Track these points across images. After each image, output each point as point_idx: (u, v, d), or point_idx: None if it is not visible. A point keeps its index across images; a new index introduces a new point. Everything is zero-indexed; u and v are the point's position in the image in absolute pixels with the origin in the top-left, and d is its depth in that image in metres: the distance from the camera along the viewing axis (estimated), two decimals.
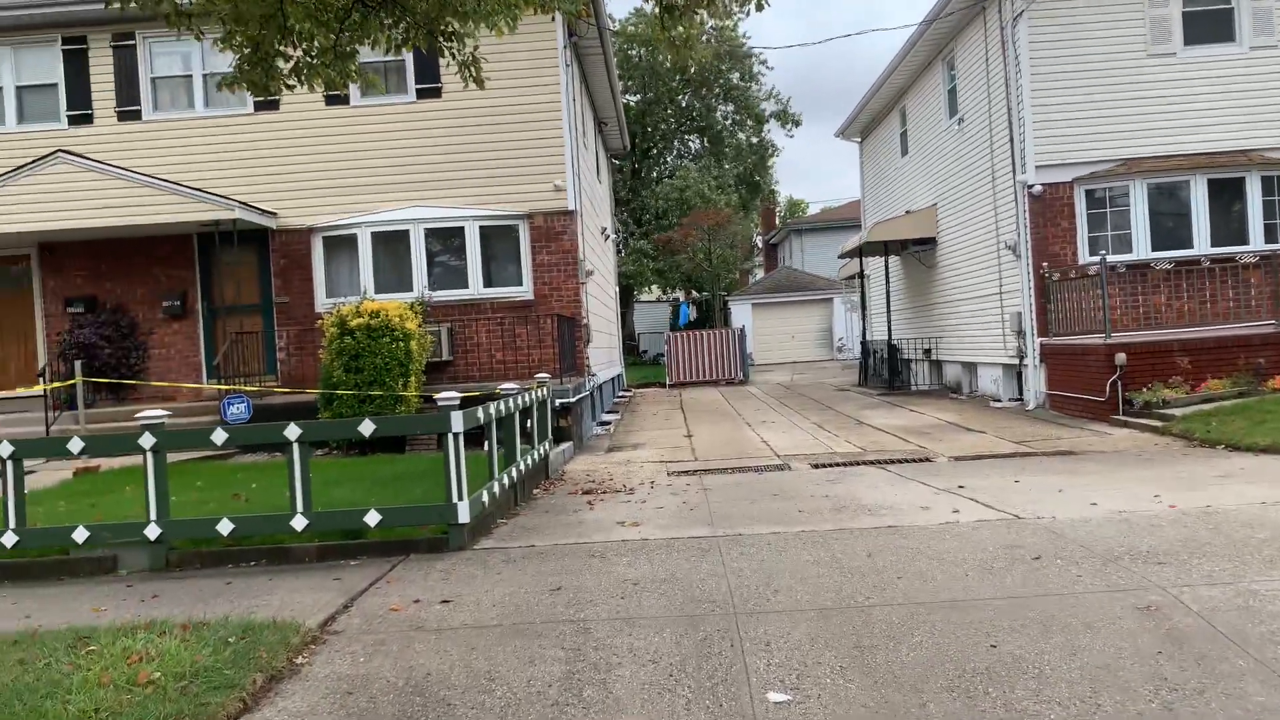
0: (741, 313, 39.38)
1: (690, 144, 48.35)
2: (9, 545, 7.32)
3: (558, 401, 13.05)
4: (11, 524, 7.35)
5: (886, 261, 23.94)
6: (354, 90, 14.66)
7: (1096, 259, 14.19)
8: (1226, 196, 15.44)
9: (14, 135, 15.35)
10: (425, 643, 5.25)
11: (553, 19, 14.34)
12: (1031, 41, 15.46)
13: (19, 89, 15.54)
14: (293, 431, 7.33)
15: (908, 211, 21.98)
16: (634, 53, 43.42)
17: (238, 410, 11.89)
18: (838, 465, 11.11)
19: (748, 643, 4.97)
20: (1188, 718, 3.88)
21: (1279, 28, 15.44)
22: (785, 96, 50.74)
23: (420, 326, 13.31)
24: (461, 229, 15.17)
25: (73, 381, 13.51)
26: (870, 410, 17.63)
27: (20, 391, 14.28)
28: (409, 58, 14.62)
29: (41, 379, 14.29)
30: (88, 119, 15.41)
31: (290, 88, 7.17)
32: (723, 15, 45.38)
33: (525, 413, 10.42)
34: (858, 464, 11.13)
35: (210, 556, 7.42)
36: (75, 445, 7.63)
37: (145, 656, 4.73)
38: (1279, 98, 15.41)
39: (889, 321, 23.32)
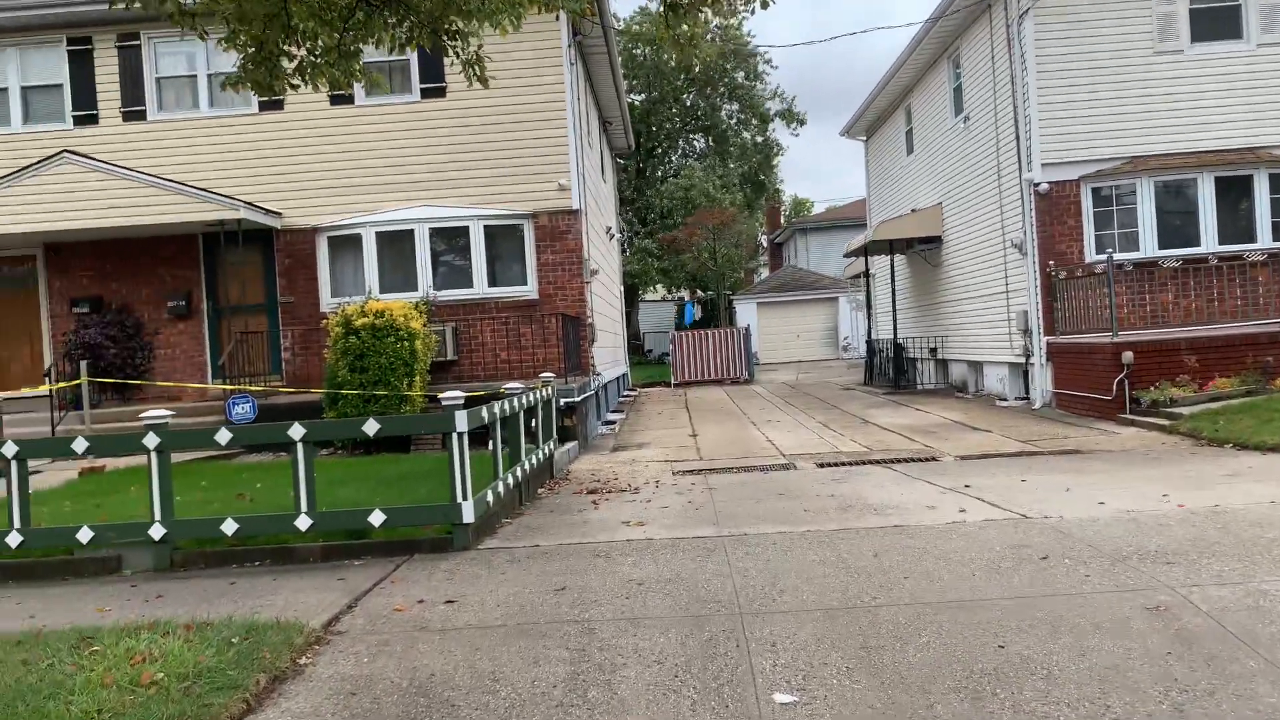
0: (746, 312, 39.34)
1: (695, 143, 48.28)
2: (14, 545, 7.31)
3: (562, 401, 13.03)
4: (16, 524, 7.35)
5: (892, 260, 23.87)
6: (359, 90, 14.66)
7: (1103, 257, 14.12)
8: (1234, 194, 15.37)
9: (20, 136, 15.37)
10: (429, 643, 5.23)
11: (557, 18, 14.31)
12: (1037, 39, 15.40)
13: (24, 89, 15.56)
14: (296, 431, 7.32)
15: (913, 210, 21.93)
16: (639, 52, 43.37)
17: (243, 410, 11.89)
18: (843, 464, 11.08)
19: (753, 643, 4.94)
20: (1198, 719, 3.84)
21: None
22: (790, 95, 50.82)
23: (425, 326, 13.31)
24: (466, 228, 15.16)
25: (78, 381, 13.53)
26: (876, 409, 17.59)
27: (26, 391, 14.29)
28: (413, 57, 14.62)
29: (47, 379, 14.32)
30: (93, 119, 15.42)
31: (294, 87, 7.15)
32: (727, 14, 44.95)
33: (530, 412, 10.39)
34: (863, 463, 11.09)
35: (215, 556, 7.41)
36: (79, 445, 7.62)
37: (148, 657, 4.72)
38: None
39: (894, 320, 23.26)
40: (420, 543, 7.47)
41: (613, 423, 17.78)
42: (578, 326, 15.16)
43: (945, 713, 4.01)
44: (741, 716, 4.09)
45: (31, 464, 7.77)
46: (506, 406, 9.06)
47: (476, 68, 7.33)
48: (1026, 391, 16.59)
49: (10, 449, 7.42)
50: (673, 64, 41.96)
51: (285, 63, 6.96)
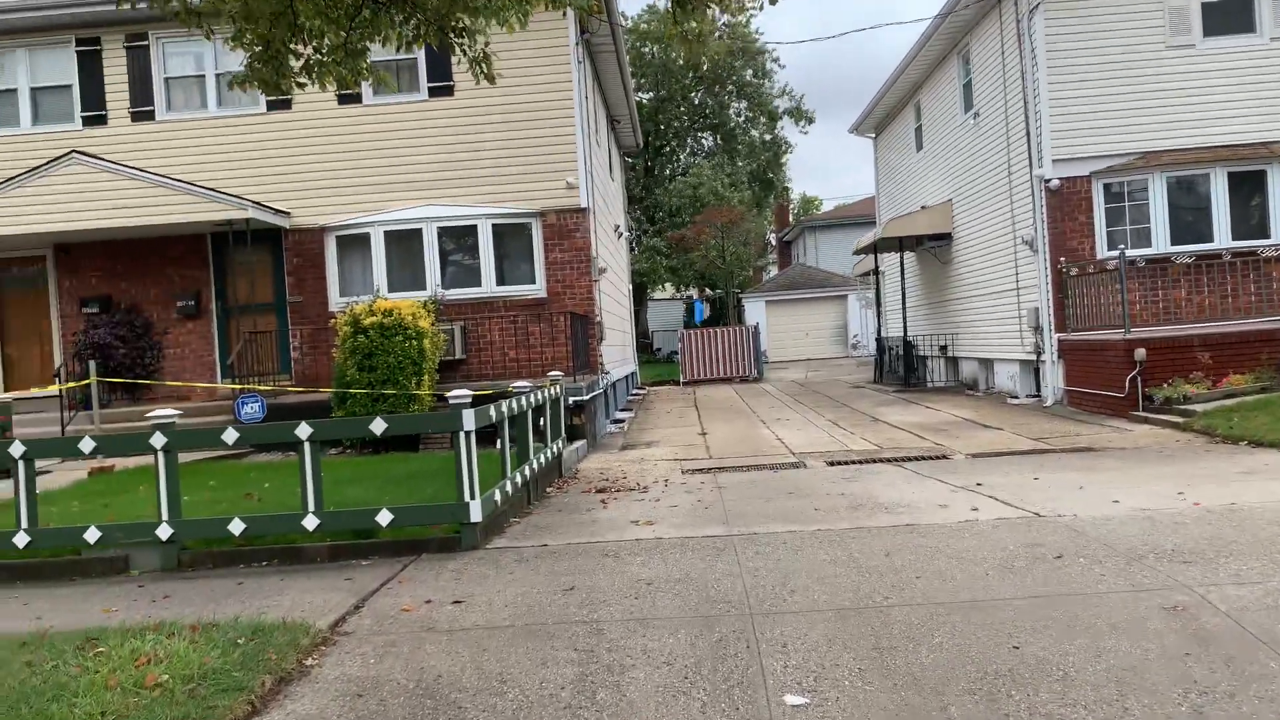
0: (755, 310, 39.24)
1: (703, 141, 48.22)
2: (21, 545, 7.30)
3: (571, 399, 12.99)
4: (24, 524, 7.34)
5: (901, 257, 23.77)
6: (366, 89, 14.65)
7: (1115, 253, 14.00)
8: (1247, 189, 15.23)
9: (29, 136, 15.40)
10: (436, 644, 5.18)
11: (564, 15, 14.27)
12: (1048, 34, 15.29)
13: (33, 90, 15.59)
14: (304, 430, 7.29)
15: (923, 207, 21.82)
16: (647, 50, 43.34)
17: (251, 409, 11.89)
18: (854, 463, 11.00)
19: (764, 644, 4.88)
20: None
21: None
22: (798, 93, 50.68)
23: (433, 325, 13.28)
24: (474, 227, 15.13)
25: (87, 381, 13.54)
26: (886, 407, 17.49)
27: (36, 392, 14.31)
28: (421, 56, 14.60)
29: (57, 379, 14.33)
30: (101, 120, 15.44)
31: (301, 86, 7.12)
32: (735, 10, 44.93)
33: (538, 411, 10.35)
34: (874, 461, 11.02)
35: (222, 556, 7.39)
36: (87, 445, 7.60)
37: (154, 658, 4.68)
38: None
39: (904, 318, 23.15)
40: (428, 542, 7.43)
41: (621, 421, 17.73)
42: (586, 325, 15.11)
43: (960, 715, 3.95)
44: (752, 719, 4.03)
45: (42, 464, 7.76)
46: (514, 405, 9.02)
47: (484, 65, 7.29)
48: (1038, 389, 16.48)
49: (17, 449, 7.41)
50: (681, 62, 41.90)
51: (292, 61, 6.93)
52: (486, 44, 7.35)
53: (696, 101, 46.03)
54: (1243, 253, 14.76)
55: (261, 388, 13.65)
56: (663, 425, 16.85)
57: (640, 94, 41.97)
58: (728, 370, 29.27)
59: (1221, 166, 15.07)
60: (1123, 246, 14.36)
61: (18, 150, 15.17)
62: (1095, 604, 5.20)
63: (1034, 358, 16.36)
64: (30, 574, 7.25)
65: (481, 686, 4.54)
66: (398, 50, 7.21)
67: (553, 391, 11.16)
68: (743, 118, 46.93)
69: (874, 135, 26.95)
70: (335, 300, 15.22)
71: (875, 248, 23.68)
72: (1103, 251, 15.22)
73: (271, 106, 15.06)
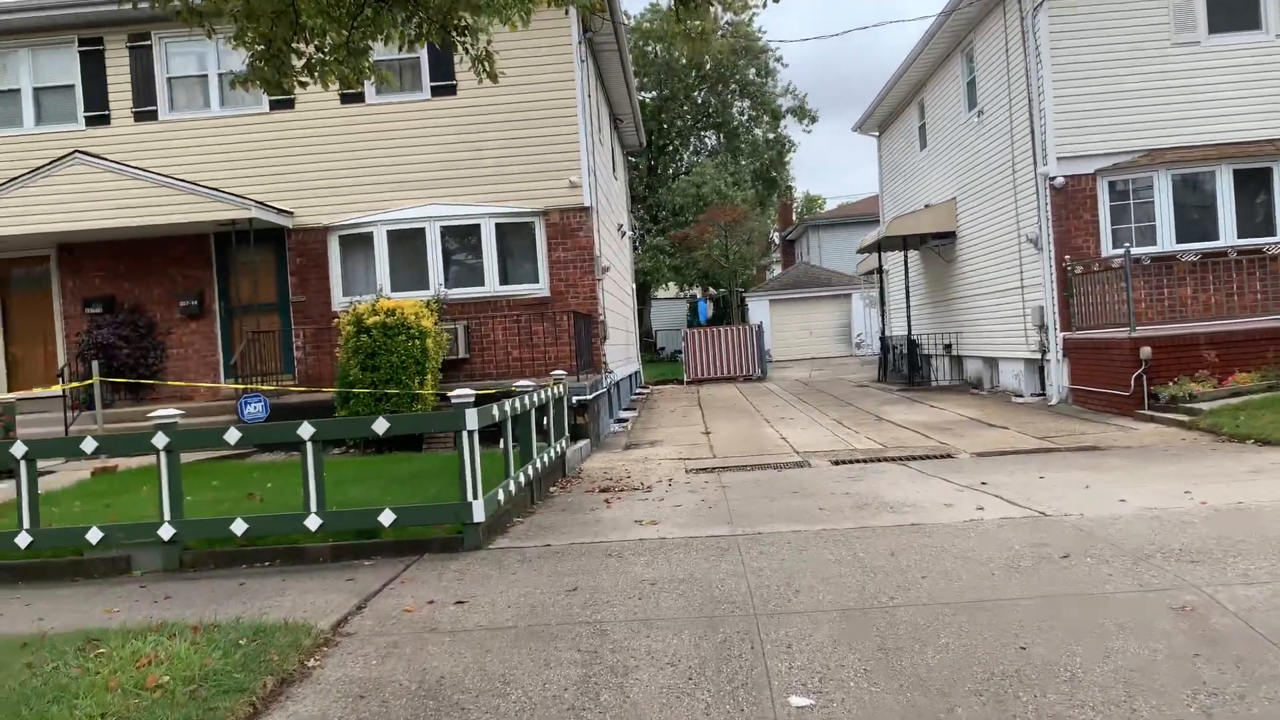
0: (759, 309, 39.20)
1: (706, 140, 48.16)
2: (23, 546, 7.29)
3: (574, 399, 12.96)
4: (26, 524, 7.32)
5: (905, 256, 23.70)
6: (369, 88, 14.63)
7: (1120, 251, 13.94)
8: (1253, 187, 15.16)
9: (32, 136, 15.40)
10: (439, 645, 5.15)
11: (566, 13, 14.25)
12: (1052, 31, 15.23)
13: (36, 90, 15.58)
14: (306, 430, 7.27)
15: (927, 205, 21.77)
16: (650, 49, 43.28)
17: (254, 409, 11.87)
18: (858, 462, 10.96)
19: (769, 645, 4.84)
20: None
21: None
22: (801, 92, 50.43)
23: (436, 324, 13.26)
24: (477, 226, 15.11)
25: (91, 381, 13.54)
26: (890, 406, 17.45)
27: (39, 392, 14.31)
28: (423, 55, 14.58)
29: (60, 379, 14.33)
30: (104, 120, 15.43)
31: (303, 85, 7.10)
32: (737, 8, 45.17)
33: (542, 410, 10.32)
34: (879, 460, 10.98)
35: (224, 557, 7.36)
36: (89, 445, 7.58)
37: (154, 660, 4.66)
38: None
39: (908, 316, 23.10)
40: (430, 542, 7.40)
41: (625, 420, 17.70)
42: (589, 324, 15.08)
43: (966, 716, 3.91)
44: None
45: (45, 464, 7.75)
46: (518, 404, 8.99)
47: (486, 64, 7.26)
48: (1042, 388, 16.43)
49: (19, 449, 7.39)
50: (684, 61, 41.89)
51: (294, 60, 6.90)
52: (489, 42, 7.33)
53: (699, 100, 45.99)
54: (1248, 250, 14.69)
55: (264, 388, 13.64)
56: (666, 424, 16.81)
57: (643, 93, 41.94)
58: (731, 369, 29.23)
59: (1227, 164, 15.01)
60: (1128, 244, 14.31)
61: (21, 150, 15.17)
62: (1102, 604, 5.16)
63: (1039, 356, 16.30)
64: (32, 574, 7.24)
65: (484, 688, 4.52)
66: (400, 49, 7.19)
67: (556, 391, 11.13)
68: (746, 116, 46.87)
69: (877, 134, 26.89)
70: (338, 300, 15.21)
71: (879, 246, 23.62)
72: (1108, 249, 15.16)
73: (274, 106, 15.05)
